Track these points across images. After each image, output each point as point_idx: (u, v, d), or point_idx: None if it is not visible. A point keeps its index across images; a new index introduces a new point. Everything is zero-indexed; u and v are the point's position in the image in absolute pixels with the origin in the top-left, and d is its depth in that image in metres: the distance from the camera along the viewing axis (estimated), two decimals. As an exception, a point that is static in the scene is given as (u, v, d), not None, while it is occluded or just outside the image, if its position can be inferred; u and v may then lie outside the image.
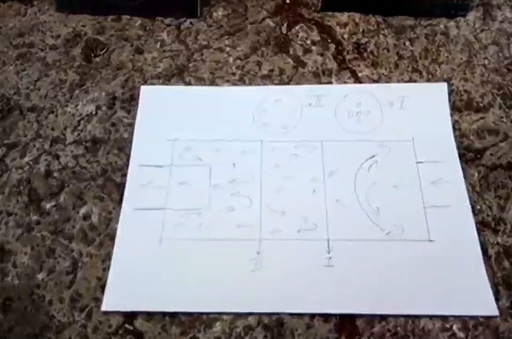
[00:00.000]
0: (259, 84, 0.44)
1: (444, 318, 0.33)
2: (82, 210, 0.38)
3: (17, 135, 0.42)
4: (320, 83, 0.43)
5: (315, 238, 0.36)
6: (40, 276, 0.36)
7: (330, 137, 0.40)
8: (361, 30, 0.46)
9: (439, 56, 0.44)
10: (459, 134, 0.40)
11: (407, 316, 0.33)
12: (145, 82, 0.44)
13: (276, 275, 0.34)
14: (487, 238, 0.36)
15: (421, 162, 0.38)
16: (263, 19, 0.48)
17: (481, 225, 0.36)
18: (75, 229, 0.37)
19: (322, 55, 0.45)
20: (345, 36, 0.46)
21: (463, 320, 0.33)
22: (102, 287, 0.35)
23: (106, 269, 0.35)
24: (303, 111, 0.42)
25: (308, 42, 0.46)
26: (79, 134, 0.42)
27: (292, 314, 0.33)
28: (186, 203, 0.37)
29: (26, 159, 0.41)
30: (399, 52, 0.45)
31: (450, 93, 0.42)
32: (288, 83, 0.44)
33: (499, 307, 0.33)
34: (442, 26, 0.46)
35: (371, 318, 0.33)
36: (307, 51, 0.46)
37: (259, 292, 0.34)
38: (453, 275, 0.34)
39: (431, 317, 0.33)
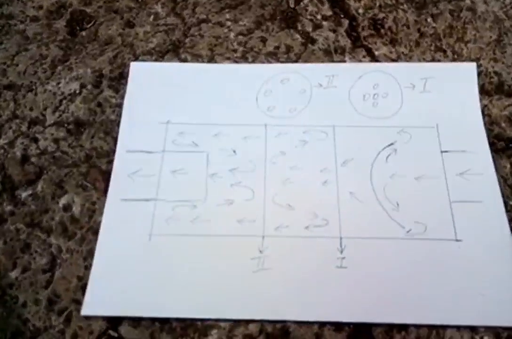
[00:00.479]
0: (263, 62, 0.39)
1: (473, 329, 0.29)
2: (62, 200, 0.34)
3: (-10, 115, 0.38)
4: (332, 61, 0.39)
5: (326, 235, 0.32)
6: (13, 274, 0.32)
7: (343, 122, 0.36)
8: (377, 4, 0.42)
9: (465, 34, 0.40)
10: (489, 121, 0.36)
11: (431, 326, 0.29)
12: (136, 59, 0.40)
13: (281, 277, 0.31)
14: (522, 238, 0.32)
15: (446, 152, 0.34)
16: (269, -9, 0.43)
17: (515, 224, 0.32)
18: (54, 222, 0.34)
19: (334, 31, 0.41)
20: (360, 11, 0.42)
21: (495, 332, 0.29)
22: (83, 288, 0.31)
23: (88, 268, 0.32)
24: (312, 92, 0.38)
25: (319, 17, 0.42)
26: (60, 115, 0.38)
27: (299, 322, 0.30)
28: (179, 194, 0.34)
29: (1, 142, 0.37)
30: (421, 29, 0.41)
31: (479, 75, 0.38)
32: (296, 62, 0.39)
33: (536, 318, 0.29)
34: (468, 1, 0.42)
35: (389, 328, 0.29)
36: (317, 26, 0.41)
37: (261, 296, 0.30)
38: (483, 280, 0.30)
39: (458, 327, 0.29)
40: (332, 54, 0.40)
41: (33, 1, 0.44)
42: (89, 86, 0.39)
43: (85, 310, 0.30)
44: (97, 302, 0.30)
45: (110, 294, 0.30)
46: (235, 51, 0.40)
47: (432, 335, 0.29)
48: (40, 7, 0.44)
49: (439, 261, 0.31)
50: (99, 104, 0.38)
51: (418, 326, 0.29)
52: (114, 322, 0.30)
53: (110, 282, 0.31)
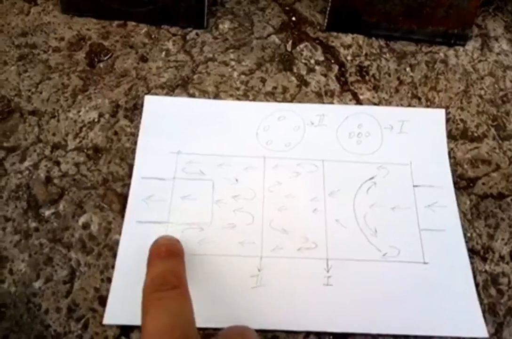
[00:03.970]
0: (262, 101, 0.44)
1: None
2: (82, 219, 0.38)
3: (17, 139, 0.41)
4: (322, 103, 0.44)
5: (315, 257, 0.36)
6: (36, 284, 0.35)
7: (331, 156, 0.41)
8: (364, 52, 0.48)
9: (438, 84, 0.46)
10: (454, 162, 0.42)
11: (397, 337, 0.34)
12: (148, 92, 0.44)
13: (275, 293, 0.35)
14: (475, 265, 0.37)
15: (417, 186, 0.40)
16: (269, 35, 0.48)
17: (471, 252, 0.37)
18: (74, 238, 0.37)
19: (325, 75, 0.46)
20: (349, 58, 0.47)
21: (449, 342, 0.34)
22: (100, 298, 0.35)
23: (104, 280, 0.35)
24: (306, 129, 0.42)
25: (312, 61, 0.47)
26: (80, 141, 0.42)
27: (287, 332, 0.34)
28: (188, 217, 0.38)
29: (26, 164, 0.40)
30: (400, 77, 0.46)
31: (447, 121, 0.43)
32: (291, 101, 0.44)
33: (484, 333, 0.34)
34: (441, 54, 0.48)
35: (364, 338, 0.34)
36: (310, 70, 0.46)
37: (258, 309, 0.34)
38: (445, 297, 0.35)
39: (421, 338, 0.34)
40: (322, 96, 0.45)
41: (55, 33, 0.48)
42: (106, 116, 0.43)
43: (106, 320, 0.34)
44: (116, 313, 0.34)
45: (127, 305, 0.34)
46: (237, 89, 0.45)
47: (399, 344, 0.34)
48: (62, 39, 0.47)
49: (409, 280, 0.36)
50: (116, 133, 0.42)
51: (386, 336, 0.34)
52: (127, 329, 0.34)
53: (128, 295, 0.34)
